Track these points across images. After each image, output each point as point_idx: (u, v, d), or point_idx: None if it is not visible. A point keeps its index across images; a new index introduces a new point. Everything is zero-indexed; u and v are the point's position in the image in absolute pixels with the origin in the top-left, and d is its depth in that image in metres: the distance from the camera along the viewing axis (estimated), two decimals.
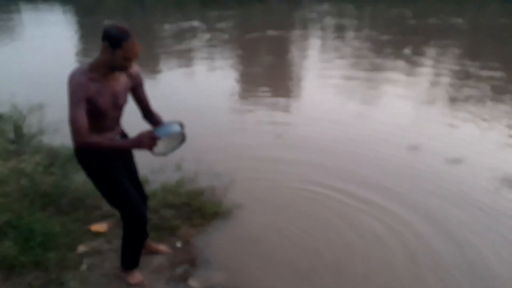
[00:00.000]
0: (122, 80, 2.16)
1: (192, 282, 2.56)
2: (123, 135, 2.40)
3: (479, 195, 3.60)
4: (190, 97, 6.67)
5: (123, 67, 2.03)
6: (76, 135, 1.95)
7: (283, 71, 8.92)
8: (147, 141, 1.98)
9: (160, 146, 2.03)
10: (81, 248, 2.81)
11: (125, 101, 2.22)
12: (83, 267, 2.63)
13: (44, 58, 10.33)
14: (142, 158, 4.31)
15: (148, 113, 2.40)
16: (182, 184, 3.66)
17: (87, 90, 1.97)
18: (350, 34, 13.29)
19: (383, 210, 3.39)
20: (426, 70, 8.22)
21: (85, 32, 15.53)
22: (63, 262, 2.59)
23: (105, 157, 2.17)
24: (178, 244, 2.91)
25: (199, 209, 3.27)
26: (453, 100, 6.40)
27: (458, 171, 4.07)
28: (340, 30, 14.16)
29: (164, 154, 2.12)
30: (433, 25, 13.55)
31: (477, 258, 2.85)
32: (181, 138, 2.12)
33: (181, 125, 2.10)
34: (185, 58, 9.97)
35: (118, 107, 2.18)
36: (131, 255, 2.47)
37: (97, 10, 21.25)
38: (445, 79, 7.60)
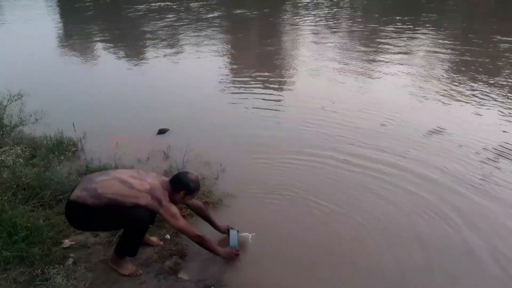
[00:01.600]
0: None
1: (182, 274, 2.52)
2: None
3: None
4: (173, 82, 6.54)
5: (181, 204, 2.63)
6: (192, 234, 2.49)
7: (264, 50, 8.80)
8: (235, 256, 2.66)
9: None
10: (67, 242, 2.74)
11: None
12: (69, 261, 2.57)
13: (22, 45, 10.00)
14: (127, 148, 4.18)
15: None
16: (170, 173, 3.56)
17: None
18: (324, 11, 13.17)
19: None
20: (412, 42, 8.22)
21: (65, 16, 15.10)
22: (48, 257, 2.53)
23: None
24: (167, 236, 2.85)
25: None
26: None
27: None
28: (310, 5, 14.01)
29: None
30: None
31: None
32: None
33: (233, 228, 2.82)
34: (162, 39, 9.75)
35: None
36: (132, 243, 2.44)
37: None
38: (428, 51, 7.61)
